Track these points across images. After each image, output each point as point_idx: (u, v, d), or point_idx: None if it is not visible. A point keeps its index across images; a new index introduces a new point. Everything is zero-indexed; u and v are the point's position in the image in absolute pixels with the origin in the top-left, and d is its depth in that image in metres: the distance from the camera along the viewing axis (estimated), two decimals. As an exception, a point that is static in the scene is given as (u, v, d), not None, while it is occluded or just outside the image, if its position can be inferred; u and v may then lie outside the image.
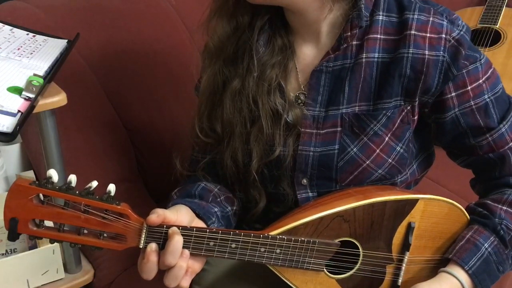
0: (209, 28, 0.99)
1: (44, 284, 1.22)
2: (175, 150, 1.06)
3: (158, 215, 0.83)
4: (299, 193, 0.98)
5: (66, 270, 1.24)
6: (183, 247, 0.83)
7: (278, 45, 0.96)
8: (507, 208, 0.94)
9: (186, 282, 0.85)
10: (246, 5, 0.94)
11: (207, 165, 1.04)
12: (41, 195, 0.79)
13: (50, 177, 0.78)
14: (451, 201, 0.93)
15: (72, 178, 0.80)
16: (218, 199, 1.00)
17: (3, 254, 1.18)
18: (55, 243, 1.18)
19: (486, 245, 0.92)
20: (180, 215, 0.87)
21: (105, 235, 0.82)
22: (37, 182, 0.78)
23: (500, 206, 0.95)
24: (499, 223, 0.93)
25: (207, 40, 1.01)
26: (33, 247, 1.19)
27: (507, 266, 0.94)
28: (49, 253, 1.19)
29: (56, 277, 1.23)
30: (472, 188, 1.06)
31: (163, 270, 0.85)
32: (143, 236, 0.83)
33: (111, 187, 0.80)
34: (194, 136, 1.03)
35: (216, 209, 0.96)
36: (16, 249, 1.19)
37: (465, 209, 0.98)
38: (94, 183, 0.80)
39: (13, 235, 0.80)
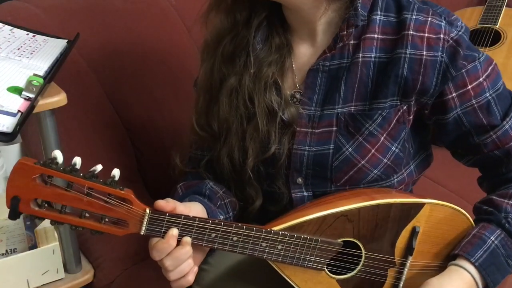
0: (208, 22, 0.99)
1: (44, 284, 1.22)
2: (174, 148, 1.06)
3: (167, 202, 0.84)
4: (294, 192, 0.98)
5: (66, 270, 1.24)
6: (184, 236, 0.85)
7: (275, 43, 0.96)
8: None
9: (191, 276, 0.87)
10: (244, 1, 0.94)
11: (206, 163, 1.04)
12: (44, 175, 0.78)
13: (55, 158, 0.78)
14: (457, 207, 0.93)
15: (77, 160, 0.79)
16: (223, 202, 1.01)
17: (3, 254, 1.18)
18: (56, 243, 1.18)
19: (492, 238, 0.91)
20: (194, 212, 0.88)
21: (106, 219, 0.82)
22: (41, 162, 0.78)
23: (506, 200, 0.95)
24: (504, 217, 0.93)
25: (205, 35, 1.01)
26: (33, 247, 1.19)
27: None
28: (49, 253, 1.19)
29: (56, 277, 1.23)
30: (480, 185, 1.06)
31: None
32: (145, 223, 0.83)
33: (116, 172, 0.81)
34: (192, 133, 1.04)
35: (221, 217, 0.97)
36: (16, 249, 1.19)
37: (473, 209, 0.98)
38: (99, 167, 0.80)
39: (14, 214, 0.80)
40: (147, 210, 0.83)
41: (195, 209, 0.91)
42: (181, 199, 0.97)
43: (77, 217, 0.81)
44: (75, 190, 0.79)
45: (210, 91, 1.00)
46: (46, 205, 0.81)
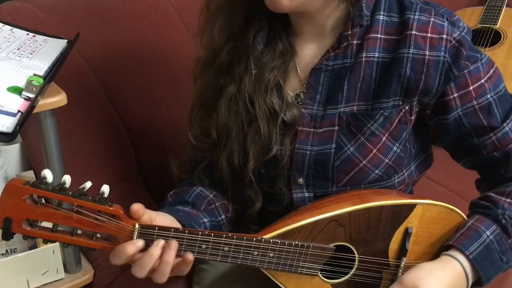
0: (202, 39, 0.99)
1: (44, 284, 1.22)
2: (172, 155, 1.06)
3: (139, 207, 0.83)
4: (295, 193, 0.98)
5: (66, 270, 1.24)
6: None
7: (279, 49, 0.96)
8: (511, 201, 0.94)
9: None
10: (240, 14, 0.94)
11: (204, 167, 1.04)
12: (34, 195, 0.80)
13: (44, 178, 0.79)
14: (450, 206, 0.93)
15: (66, 178, 0.80)
16: (212, 206, 1.00)
17: (3, 254, 1.18)
18: (56, 243, 1.18)
19: (487, 232, 0.91)
20: (159, 223, 0.86)
21: (98, 235, 0.83)
22: (30, 183, 0.79)
23: (504, 198, 0.95)
24: (501, 213, 0.93)
25: (198, 52, 1.00)
26: (33, 247, 1.19)
27: (510, 257, 0.93)
28: (49, 253, 1.19)
29: (56, 277, 1.23)
30: (477, 188, 1.06)
31: None
32: (135, 237, 0.83)
33: (105, 188, 0.81)
34: (189, 146, 1.04)
35: (205, 220, 0.96)
36: (16, 249, 1.19)
37: (469, 205, 0.98)
38: (88, 184, 0.81)
39: (7, 235, 0.81)
40: (136, 225, 0.83)
41: (159, 220, 0.88)
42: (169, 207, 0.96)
43: (69, 235, 0.82)
44: (65, 209, 0.80)
45: (205, 104, 1.00)
46: (38, 224, 0.82)
